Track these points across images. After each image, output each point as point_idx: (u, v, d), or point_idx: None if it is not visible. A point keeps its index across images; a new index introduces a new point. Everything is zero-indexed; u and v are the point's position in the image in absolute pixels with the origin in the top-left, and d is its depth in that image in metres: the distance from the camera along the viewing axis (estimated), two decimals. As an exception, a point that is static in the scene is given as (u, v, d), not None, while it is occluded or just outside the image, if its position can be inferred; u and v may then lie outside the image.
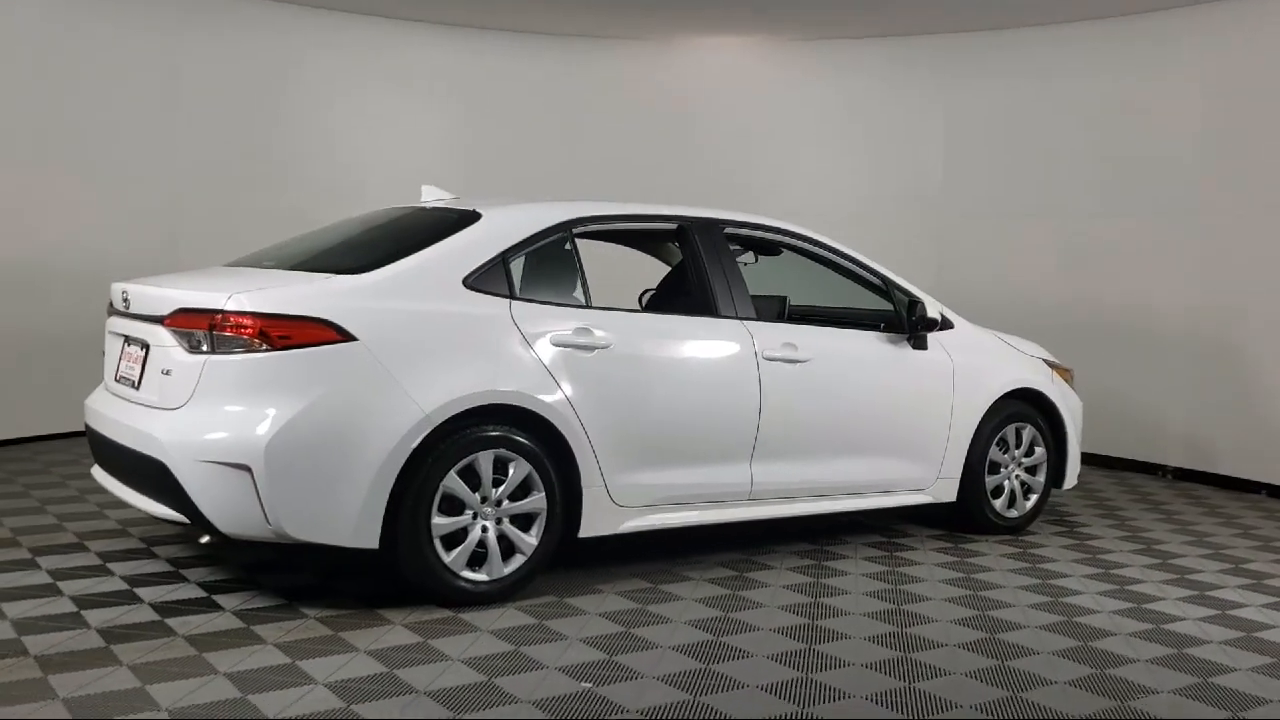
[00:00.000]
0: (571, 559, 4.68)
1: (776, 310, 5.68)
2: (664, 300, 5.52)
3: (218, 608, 4.01)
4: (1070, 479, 6.03)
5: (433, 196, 5.08)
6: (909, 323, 5.29)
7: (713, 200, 6.05)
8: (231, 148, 8.08)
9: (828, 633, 4.05)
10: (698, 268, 4.91)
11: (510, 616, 4.06)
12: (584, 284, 4.53)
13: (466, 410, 4.07)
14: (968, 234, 8.98)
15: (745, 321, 4.86)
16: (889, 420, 5.27)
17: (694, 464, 4.69)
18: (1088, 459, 8.04)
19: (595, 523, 4.45)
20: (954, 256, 9.09)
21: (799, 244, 5.34)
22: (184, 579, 4.34)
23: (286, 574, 4.45)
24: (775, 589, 4.57)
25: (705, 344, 4.72)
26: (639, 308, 4.86)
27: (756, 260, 6.07)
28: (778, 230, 5.27)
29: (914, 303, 5.26)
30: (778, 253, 5.69)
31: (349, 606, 4.09)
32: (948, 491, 5.54)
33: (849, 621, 4.19)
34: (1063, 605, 4.50)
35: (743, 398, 4.77)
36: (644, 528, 4.59)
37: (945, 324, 5.57)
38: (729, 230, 5.10)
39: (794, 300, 6.18)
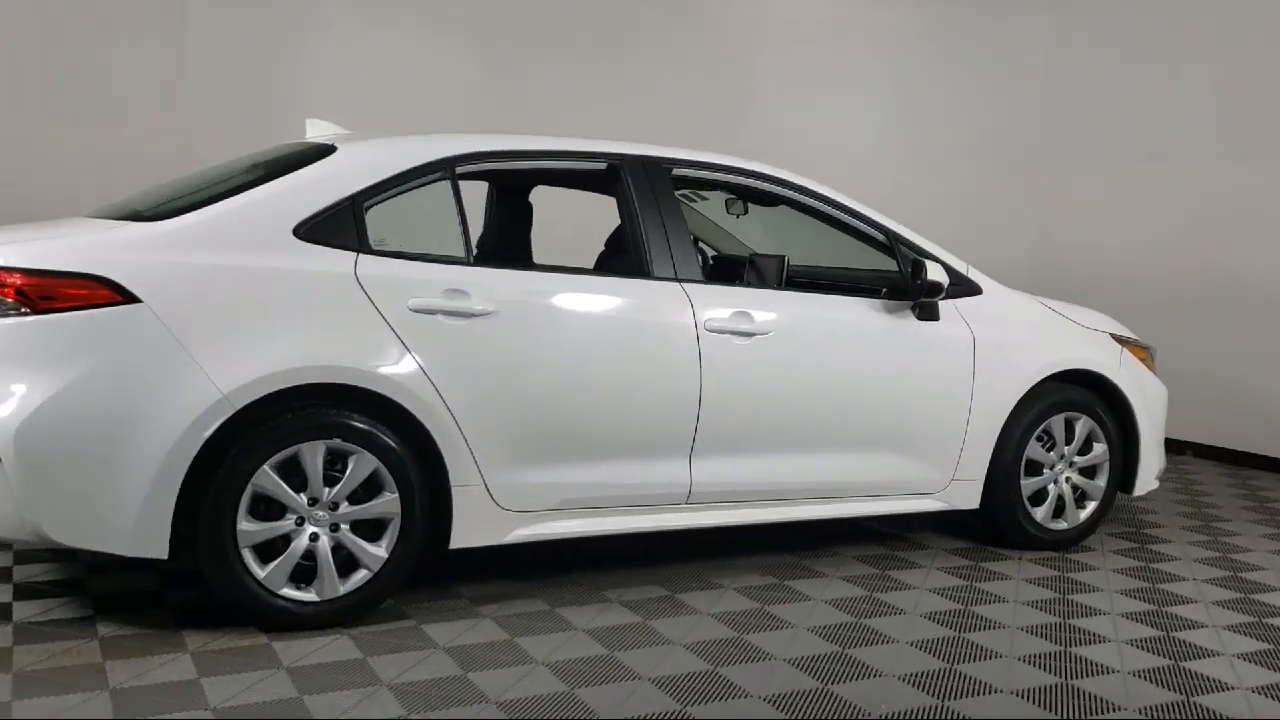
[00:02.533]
0: (683, 551, 3.86)
1: (775, 273, 4.70)
2: (608, 260, 4.63)
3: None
4: (1144, 483, 4.84)
5: (318, 133, 4.30)
6: (912, 287, 4.22)
7: (767, 155, 5.01)
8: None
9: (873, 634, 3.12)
10: (629, 217, 3.99)
11: (604, 613, 3.28)
12: (466, 236, 3.68)
13: (283, 390, 3.28)
14: (1071, 186, 7.68)
15: (686, 284, 3.91)
16: (882, 409, 4.23)
17: (610, 460, 3.79)
18: (1206, 452, 6.71)
19: (471, 530, 3.61)
20: (1054, 212, 7.81)
21: (772, 189, 4.33)
22: (62, 593, 3.74)
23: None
24: (816, 604, 3.65)
25: (626, 312, 3.80)
26: (560, 268, 3.97)
27: (747, 210, 5.09)
28: (742, 173, 4.27)
29: (918, 263, 4.19)
30: (774, 203, 4.71)
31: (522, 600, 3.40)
32: (966, 496, 4.47)
33: (883, 651, 3.24)
34: (1073, 654, 3.43)
35: (676, 379, 3.84)
36: (540, 536, 3.72)
37: (967, 288, 4.46)
38: (678, 173, 4.14)
39: (798, 261, 5.19)
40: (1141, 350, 4.93)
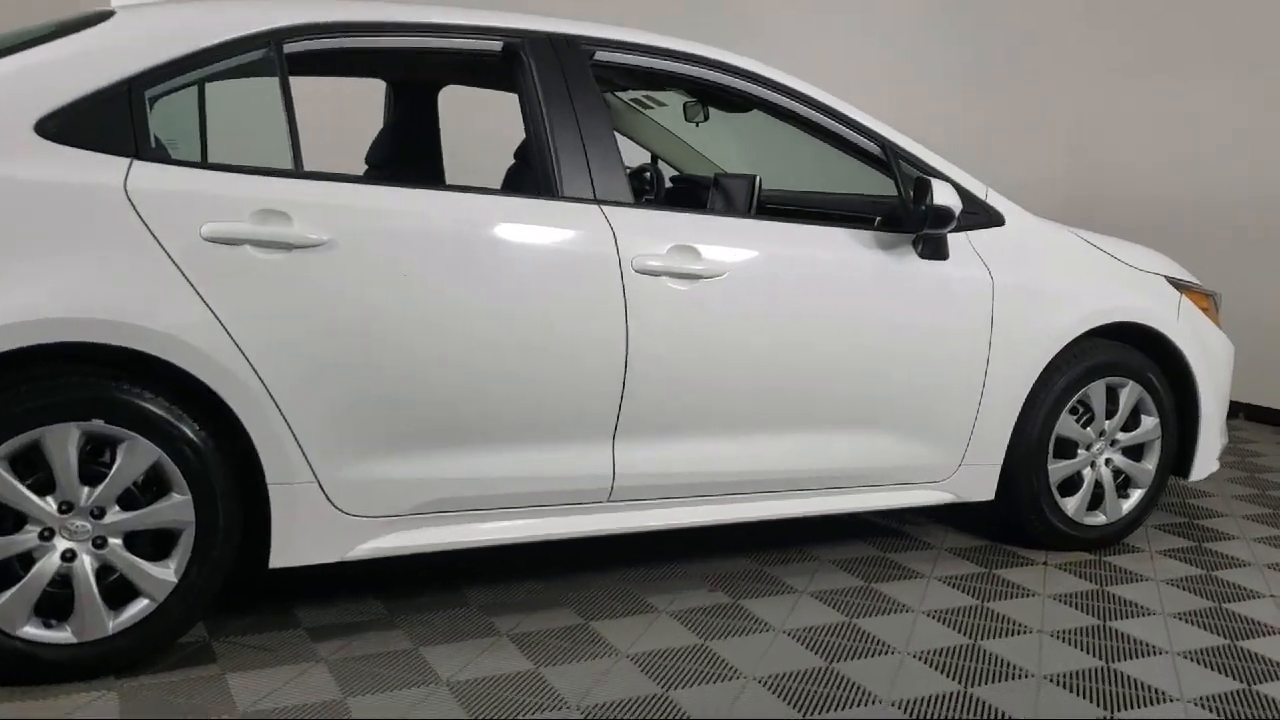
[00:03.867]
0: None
1: (743, 197, 3.70)
2: (515, 176, 3.62)
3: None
4: (1204, 465, 3.85)
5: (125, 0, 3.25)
6: (913, 215, 3.20)
7: (772, 60, 3.84)
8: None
9: None
10: (531, 116, 2.97)
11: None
12: (293, 138, 2.66)
13: (14, 352, 2.31)
14: (1117, 98, 6.61)
15: (609, 208, 2.90)
16: (871, 374, 3.23)
17: (500, 447, 2.82)
18: (1260, 415, 5.70)
19: (298, 543, 2.65)
20: (1095, 129, 6.74)
21: (736, 85, 3.29)
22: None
23: None
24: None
25: (520, 244, 2.80)
26: (439, 186, 2.92)
27: (707, 117, 4.05)
28: (694, 61, 3.22)
29: (921, 183, 3.16)
30: (743, 107, 3.68)
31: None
32: (978, 485, 3.48)
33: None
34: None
35: (591, 338, 2.85)
36: (402, 549, 2.76)
37: (985, 217, 3.44)
38: (602, 58, 3.11)
39: (778, 183, 4.17)
40: (1203, 298, 3.90)
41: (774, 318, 3.07)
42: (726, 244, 3.01)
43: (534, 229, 2.80)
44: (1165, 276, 3.80)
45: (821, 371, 3.15)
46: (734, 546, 3.51)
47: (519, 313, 2.77)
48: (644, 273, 2.88)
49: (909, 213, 3.21)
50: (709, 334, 2.98)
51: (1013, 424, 3.46)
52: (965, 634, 2.95)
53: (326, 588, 3.01)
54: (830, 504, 3.27)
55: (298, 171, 2.63)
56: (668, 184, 4.46)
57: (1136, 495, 3.74)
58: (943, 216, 3.15)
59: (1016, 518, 3.61)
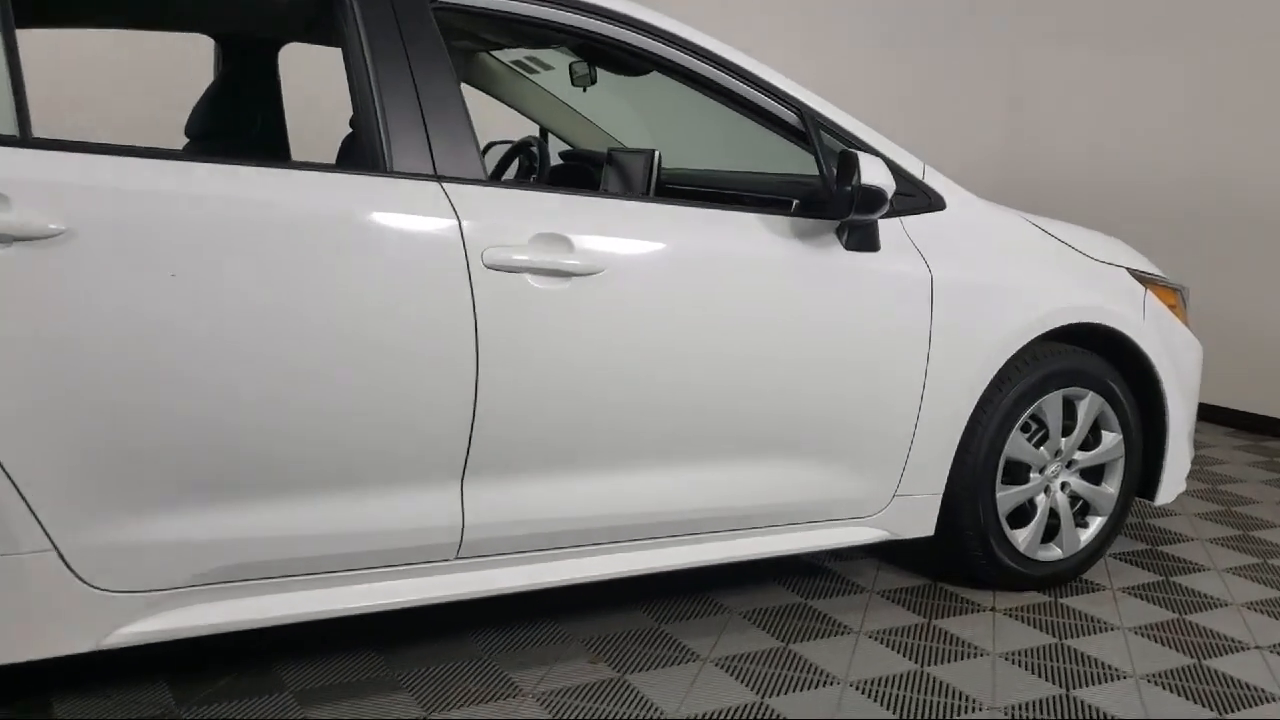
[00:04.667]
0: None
1: (640, 175, 3.10)
2: (349, 148, 3.00)
3: None
4: (1172, 486, 3.34)
5: None
6: (837, 197, 2.61)
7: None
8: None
9: None
10: (356, 74, 2.33)
11: None
12: (17, 96, 2.00)
13: None
14: (1053, 70, 6.13)
15: (452, 186, 2.28)
16: (786, 391, 2.65)
17: (305, 497, 2.19)
18: (1213, 415, 5.25)
19: (33, 627, 2.01)
20: (1031, 106, 6.25)
21: (626, 39, 2.67)
22: None
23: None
24: None
25: (334, 236, 2.16)
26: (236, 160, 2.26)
27: (594, 79, 3.45)
28: (571, 6, 2.59)
29: (847, 157, 2.58)
30: (639, 69, 3.09)
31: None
32: (915, 519, 2.93)
33: None
34: None
35: (429, 353, 2.23)
36: (172, 632, 2.12)
37: (923, 201, 2.88)
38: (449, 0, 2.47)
39: (690, 161, 3.59)
40: (1170, 293, 3.39)
41: (666, 325, 2.47)
42: (607, 232, 2.41)
43: (351, 214, 2.17)
44: (1128, 269, 3.28)
45: (725, 390, 2.56)
46: (625, 597, 2.92)
47: (328, 324, 2.14)
48: (498, 269, 2.27)
49: (832, 194, 2.63)
50: (583, 346, 2.38)
51: (955, 446, 2.91)
52: (899, 711, 2.39)
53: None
54: (737, 549, 2.68)
55: (23, 140, 1.97)
56: (556, 161, 3.86)
57: (1096, 524, 3.22)
58: (872, 199, 2.57)
59: (960, 555, 3.07)
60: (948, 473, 2.92)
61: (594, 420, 2.42)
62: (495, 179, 2.34)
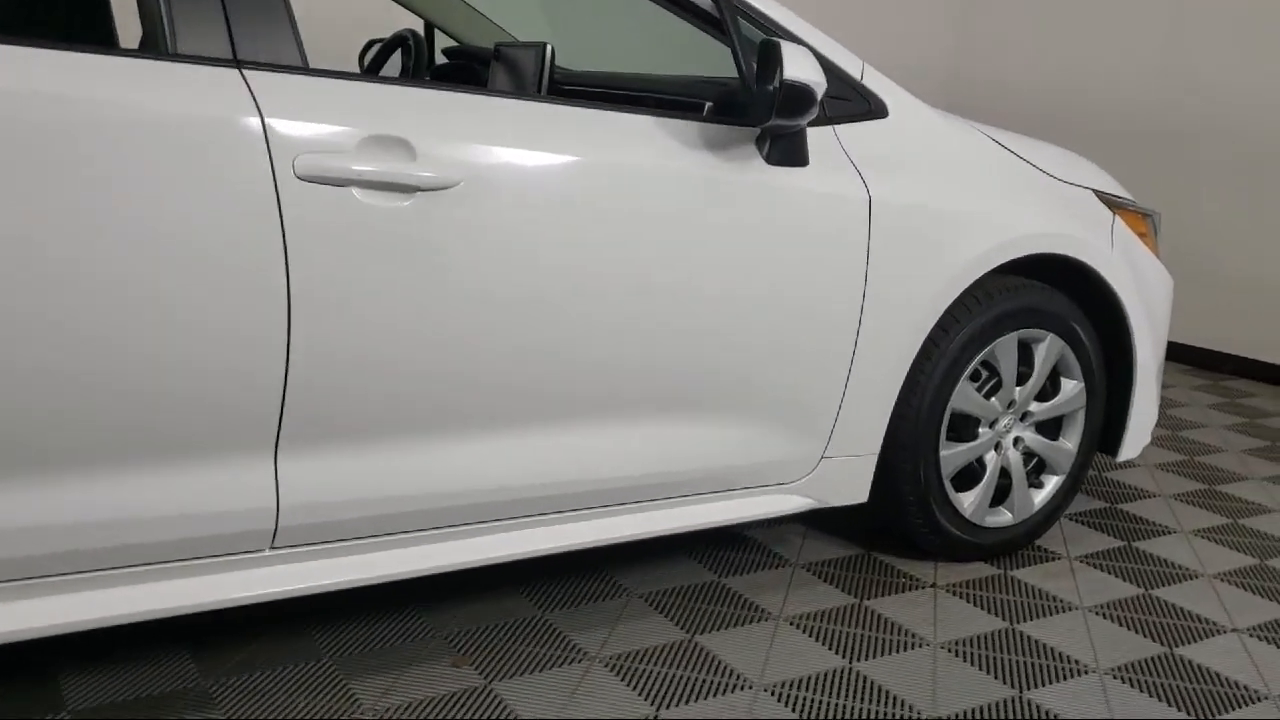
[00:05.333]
0: None
1: (530, 72, 2.62)
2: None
3: None
4: (1137, 439, 2.94)
5: None
6: (756, 97, 2.12)
7: None
8: None
9: None
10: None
11: None
12: None
13: None
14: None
15: (256, 74, 1.76)
16: (690, 335, 2.18)
17: (68, 474, 1.70)
18: (1171, 352, 4.88)
19: None
20: (984, 4, 5.79)
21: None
22: None
23: None
24: None
25: (88, 138, 1.63)
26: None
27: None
28: None
29: (769, 47, 2.08)
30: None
31: None
32: (846, 484, 2.50)
33: None
34: None
35: (228, 289, 1.73)
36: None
37: (861, 105, 2.40)
38: None
39: (598, 63, 3.10)
40: (1140, 219, 2.96)
41: (537, 254, 1.98)
42: (463, 137, 1.90)
43: (119, 108, 1.64)
44: (1094, 191, 2.84)
45: (611, 335, 2.09)
46: (501, 578, 2.47)
47: (77, 259, 1.62)
48: (315, 180, 1.76)
49: (751, 95, 2.14)
50: (430, 280, 1.88)
51: (894, 399, 2.48)
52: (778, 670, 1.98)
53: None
54: (629, 526, 2.23)
55: None
56: (440, 59, 3.32)
57: (1052, 484, 2.82)
58: (798, 99, 2.08)
59: (898, 523, 2.65)
60: (884, 430, 2.49)
61: (446, 373, 1.94)
62: (315, 68, 1.83)
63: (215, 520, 1.81)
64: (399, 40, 3.14)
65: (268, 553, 1.88)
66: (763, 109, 2.10)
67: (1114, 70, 5.29)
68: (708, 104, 2.32)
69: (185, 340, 1.71)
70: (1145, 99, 5.17)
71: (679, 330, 2.15)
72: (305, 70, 1.81)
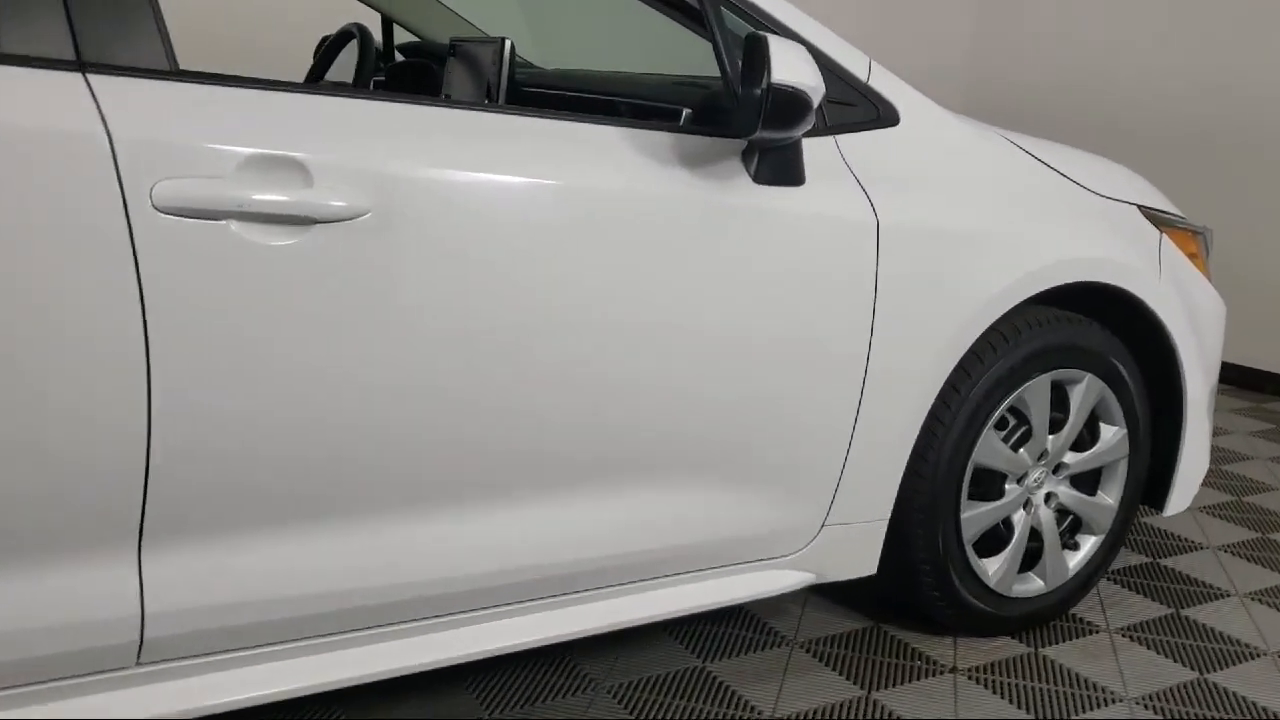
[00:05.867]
0: None
1: (489, 71, 2.27)
2: None
3: None
4: (1185, 491, 2.57)
5: None
6: (741, 104, 1.75)
7: None
8: None
9: None
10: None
11: None
12: None
13: None
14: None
15: (106, 80, 1.40)
16: (661, 391, 1.81)
17: None
18: (1248, 379, 4.50)
19: None
20: (1004, 22, 5.42)
21: None
22: None
23: None
24: None
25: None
26: None
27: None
28: None
29: (754, 46, 1.71)
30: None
31: None
32: (853, 555, 2.14)
33: None
34: None
35: (71, 348, 1.37)
36: None
37: (867, 112, 2.03)
38: None
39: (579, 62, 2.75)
40: (1189, 238, 2.58)
41: (469, 299, 1.62)
42: (374, 156, 1.54)
43: (-91, 125, 1.29)
44: (1139, 206, 2.46)
45: (560, 392, 1.72)
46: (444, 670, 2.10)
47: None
48: (178, 212, 1.41)
49: (735, 97, 1.78)
50: (328, 335, 1.52)
51: (906, 455, 2.11)
52: None
53: None
54: (591, 619, 1.87)
55: None
56: (398, 58, 2.97)
57: (1089, 545, 2.45)
58: (789, 106, 1.71)
59: (913, 596, 2.29)
60: (896, 491, 2.12)
61: (351, 445, 1.58)
62: (185, 73, 1.46)
63: (69, 632, 1.45)
64: (345, 36, 2.78)
65: (132, 670, 1.52)
66: (748, 118, 1.73)
67: (1146, 69, 4.91)
68: (685, 111, 1.95)
69: (16, 418, 1.35)
70: (1181, 100, 4.79)
71: (645, 384, 1.79)
72: (171, 74, 1.45)
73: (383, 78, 2.95)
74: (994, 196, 2.15)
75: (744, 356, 1.86)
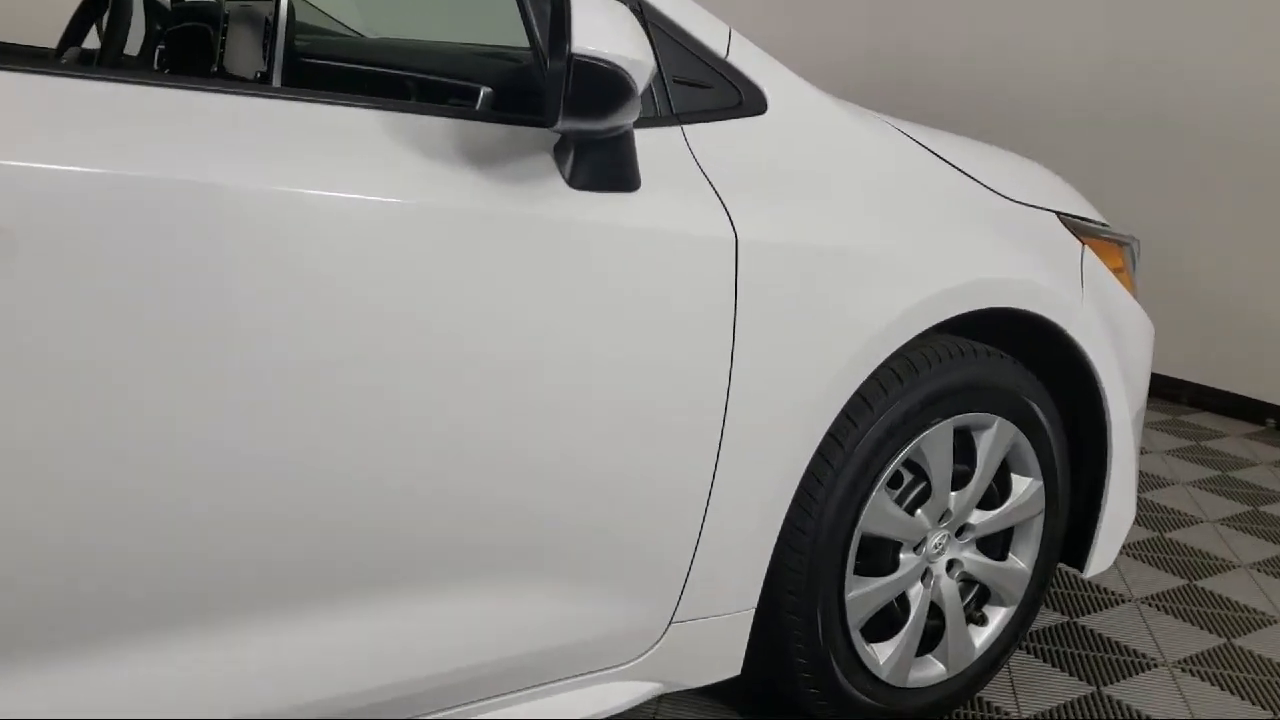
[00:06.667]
0: None
1: (260, 44, 1.76)
2: None
3: None
4: (1109, 546, 2.18)
5: None
6: (546, 84, 1.28)
7: None
8: None
9: None
10: None
11: None
12: None
13: None
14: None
15: None
16: (448, 463, 1.35)
17: None
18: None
19: None
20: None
21: None
22: None
23: None
24: None
25: None
26: None
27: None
28: None
29: (556, 8, 1.25)
30: None
31: None
32: (710, 657, 1.70)
33: None
34: None
35: None
36: None
37: (729, 95, 1.58)
38: None
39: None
40: (1114, 250, 2.20)
41: (171, 342, 1.14)
42: (18, 152, 1.05)
43: None
44: (1058, 214, 2.06)
45: (307, 472, 1.26)
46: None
47: None
48: None
49: (541, 75, 1.32)
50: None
51: (778, 527, 1.68)
52: None
53: None
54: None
55: None
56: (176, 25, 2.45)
57: (999, 618, 2.06)
58: (602, 86, 1.26)
59: (787, 694, 1.86)
60: (764, 573, 1.69)
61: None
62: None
63: None
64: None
65: None
66: (550, 101, 1.27)
67: (1058, 43, 4.57)
68: (483, 91, 1.49)
69: None
70: (1100, 78, 4.46)
71: (432, 456, 1.33)
72: None
73: (163, 45, 2.43)
74: (884, 204, 1.72)
75: (558, 417, 1.41)
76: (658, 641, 1.62)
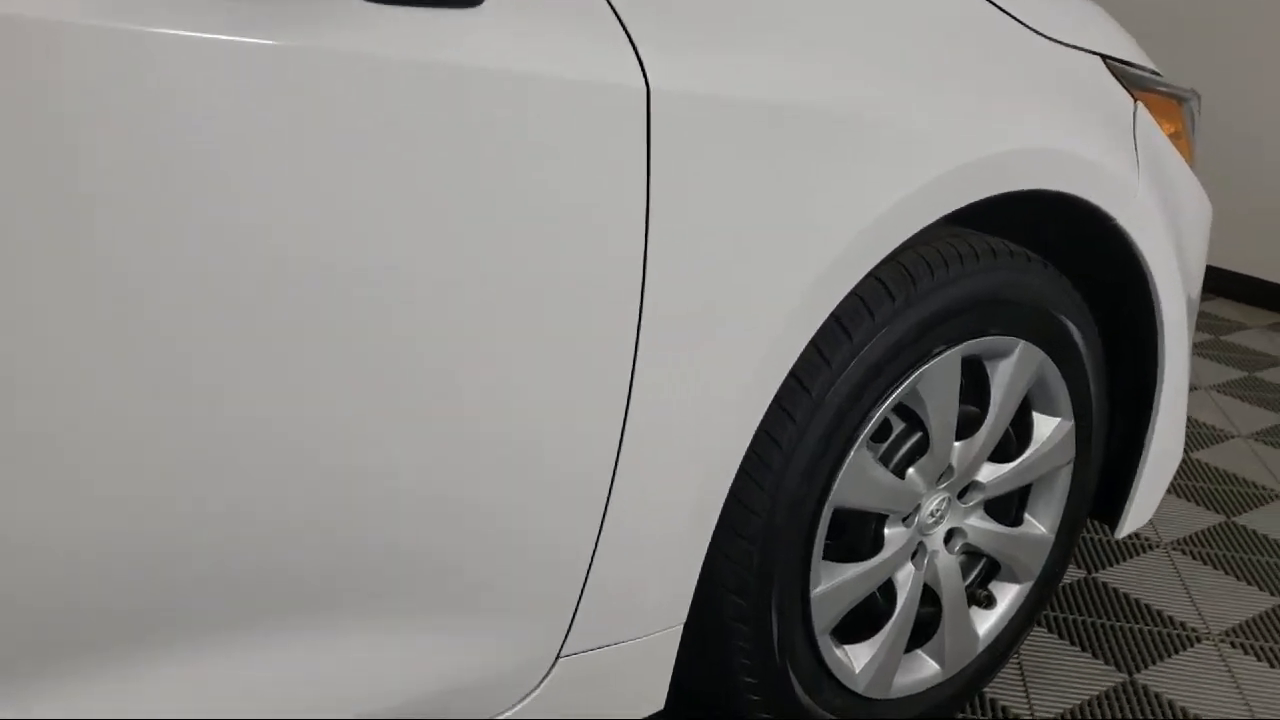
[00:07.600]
0: None
1: None
2: None
3: None
4: (1149, 498, 1.69)
5: None
6: None
7: None
8: None
9: None
10: None
11: None
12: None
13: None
14: None
15: None
16: (251, 456, 0.83)
17: None
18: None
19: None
20: None
21: None
22: None
23: None
24: None
25: None
26: None
27: None
28: None
29: None
30: None
31: None
32: (621, 691, 1.20)
33: None
34: None
35: None
36: None
37: None
38: None
39: None
40: (1172, 105, 1.65)
41: None
42: None
43: None
44: (1105, 58, 1.51)
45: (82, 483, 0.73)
46: None
47: None
48: None
49: None
50: None
51: (714, 514, 1.17)
52: None
53: None
54: None
55: None
56: None
57: (1010, 597, 1.57)
58: None
59: (732, 714, 1.39)
60: (695, 576, 1.19)
61: None
62: None
63: None
64: None
65: None
66: None
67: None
68: None
69: None
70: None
71: (221, 444, 0.81)
72: None
73: None
74: (867, 40, 1.17)
75: (364, 376, 0.88)
76: (540, 684, 1.12)
